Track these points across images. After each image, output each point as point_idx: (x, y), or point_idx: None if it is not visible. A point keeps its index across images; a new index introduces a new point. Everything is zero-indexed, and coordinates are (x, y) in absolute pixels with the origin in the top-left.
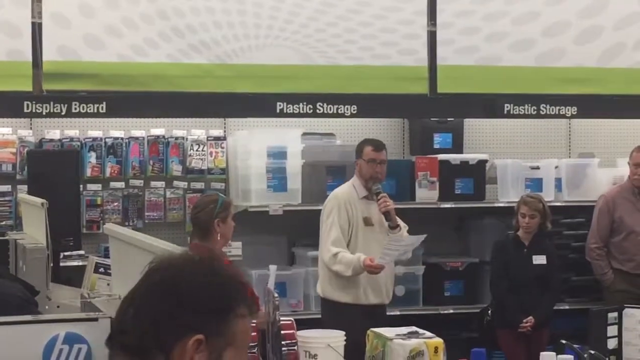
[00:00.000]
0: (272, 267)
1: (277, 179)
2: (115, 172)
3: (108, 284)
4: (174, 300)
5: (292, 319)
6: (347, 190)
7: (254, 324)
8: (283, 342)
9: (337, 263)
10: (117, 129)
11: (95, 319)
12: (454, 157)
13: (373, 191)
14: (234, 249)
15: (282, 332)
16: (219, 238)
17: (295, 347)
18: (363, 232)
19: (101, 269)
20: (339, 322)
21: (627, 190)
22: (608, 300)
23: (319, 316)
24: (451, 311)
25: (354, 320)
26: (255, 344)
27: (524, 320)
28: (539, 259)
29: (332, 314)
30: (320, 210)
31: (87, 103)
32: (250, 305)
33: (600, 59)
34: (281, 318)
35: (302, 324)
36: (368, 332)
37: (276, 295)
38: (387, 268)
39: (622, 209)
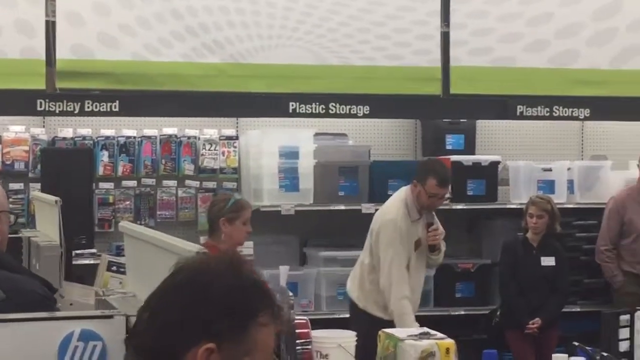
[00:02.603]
0: (283, 268)
1: (289, 179)
2: (128, 170)
3: (120, 282)
4: (190, 304)
5: (306, 318)
6: (403, 215)
7: (305, 320)
8: (297, 342)
9: (398, 315)
10: (129, 127)
11: (111, 317)
12: (466, 159)
13: (427, 220)
14: (246, 248)
15: (297, 331)
16: (222, 237)
17: (310, 347)
18: (414, 256)
19: (113, 267)
20: (371, 332)
21: (637, 192)
22: (618, 302)
23: (330, 316)
24: (462, 312)
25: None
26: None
27: (531, 322)
28: (548, 261)
29: (368, 326)
30: (331, 210)
31: (100, 102)
32: (275, 313)
33: (613, 60)
34: (296, 317)
35: (313, 324)
36: (379, 332)
37: (291, 294)
38: (421, 281)
39: (631, 211)
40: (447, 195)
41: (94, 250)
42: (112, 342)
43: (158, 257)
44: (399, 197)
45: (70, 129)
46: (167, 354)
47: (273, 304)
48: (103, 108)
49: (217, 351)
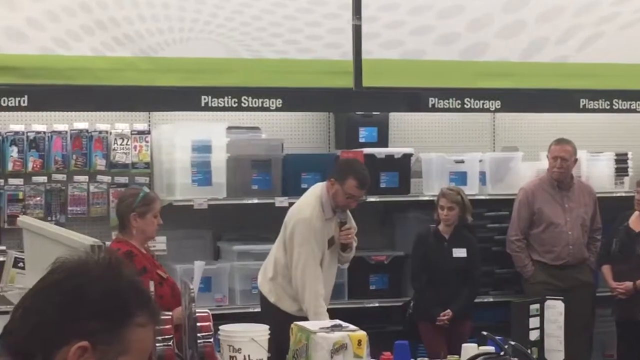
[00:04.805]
0: (198, 264)
1: (202, 173)
2: (38, 166)
3: None
4: (63, 303)
5: (207, 310)
6: (318, 214)
7: (169, 316)
8: (199, 334)
9: (314, 314)
10: (39, 122)
11: (7, 312)
12: (379, 151)
13: (340, 219)
14: (159, 243)
15: (198, 324)
16: (134, 232)
17: (211, 340)
18: (327, 253)
19: (20, 264)
20: (283, 327)
21: (547, 182)
22: (529, 292)
23: (244, 310)
24: (376, 305)
25: None
26: (171, 336)
27: (442, 314)
28: (459, 252)
29: (280, 321)
30: (244, 204)
31: (8, 96)
32: (153, 314)
33: (523, 53)
34: (197, 310)
35: (227, 319)
36: (292, 325)
37: (192, 287)
38: (333, 277)
39: (541, 201)
40: (362, 198)
41: (2, 247)
42: None
43: (56, 251)
44: (314, 193)
45: None
46: (39, 354)
47: (150, 304)
48: (11, 103)
49: (90, 350)
